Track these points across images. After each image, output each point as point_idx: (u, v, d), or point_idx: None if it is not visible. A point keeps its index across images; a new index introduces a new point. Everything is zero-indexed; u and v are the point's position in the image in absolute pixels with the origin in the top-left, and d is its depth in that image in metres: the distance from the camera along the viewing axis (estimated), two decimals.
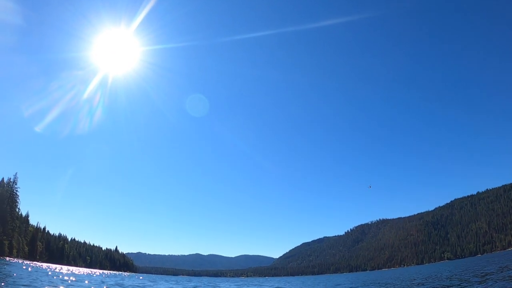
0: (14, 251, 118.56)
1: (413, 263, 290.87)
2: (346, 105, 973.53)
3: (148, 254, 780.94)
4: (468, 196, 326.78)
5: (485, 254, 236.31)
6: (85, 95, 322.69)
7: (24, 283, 16.11)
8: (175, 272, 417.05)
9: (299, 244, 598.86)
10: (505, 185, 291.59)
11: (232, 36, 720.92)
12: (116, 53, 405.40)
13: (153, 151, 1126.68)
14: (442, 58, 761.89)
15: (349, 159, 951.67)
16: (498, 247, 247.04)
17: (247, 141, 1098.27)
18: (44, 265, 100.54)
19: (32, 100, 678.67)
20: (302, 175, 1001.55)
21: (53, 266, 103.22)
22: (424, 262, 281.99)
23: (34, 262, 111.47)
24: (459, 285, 19.09)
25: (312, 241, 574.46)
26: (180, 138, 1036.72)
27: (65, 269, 78.20)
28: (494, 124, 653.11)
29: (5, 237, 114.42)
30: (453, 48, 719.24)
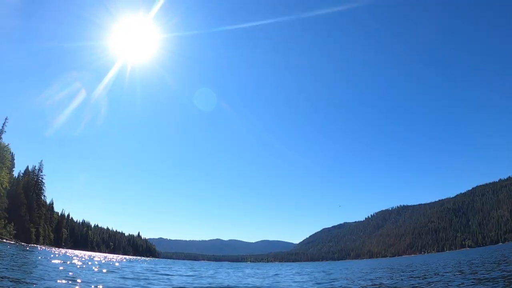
0: (41, 238, 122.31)
1: (433, 251, 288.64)
2: (367, 89, 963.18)
3: (169, 239, 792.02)
4: (490, 183, 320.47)
5: (506, 242, 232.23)
6: (103, 84, 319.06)
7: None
8: (196, 257, 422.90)
9: (319, 229, 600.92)
10: None
11: (252, 21, 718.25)
12: (135, 41, 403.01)
13: (172, 139, 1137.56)
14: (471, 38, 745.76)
15: (370, 145, 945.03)
16: None
17: (267, 129, 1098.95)
18: (75, 251, 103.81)
19: (48, 92, 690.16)
20: (322, 161, 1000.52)
21: (82, 252, 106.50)
22: (445, 250, 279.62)
23: (60, 249, 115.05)
24: None
25: (332, 226, 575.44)
26: (199, 126, 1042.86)
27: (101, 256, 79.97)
28: None
29: (32, 224, 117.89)
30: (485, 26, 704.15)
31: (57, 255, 46.19)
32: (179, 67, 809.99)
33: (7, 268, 18.26)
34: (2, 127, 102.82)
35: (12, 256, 30.16)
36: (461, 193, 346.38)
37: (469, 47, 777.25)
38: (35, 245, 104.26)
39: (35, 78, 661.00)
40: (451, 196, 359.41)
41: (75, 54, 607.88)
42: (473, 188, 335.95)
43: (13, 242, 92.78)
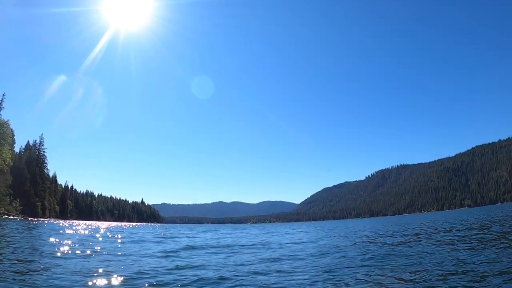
0: (47, 211, 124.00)
1: (433, 209, 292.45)
2: (366, 49, 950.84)
3: (172, 204, 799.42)
4: (489, 143, 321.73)
5: (505, 202, 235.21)
6: (95, 52, 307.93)
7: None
8: (199, 221, 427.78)
9: (320, 189, 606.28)
10: None
11: None
12: (128, 8, 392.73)
13: (170, 105, 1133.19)
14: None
15: (371, 103, 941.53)
16: None
17: (266, 93, 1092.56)
18: (81, 222, 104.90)
19: (39, 59, 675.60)
20: (322, 121, 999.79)
21: (91, 223, 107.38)
22: (444, 209, 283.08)
23: (67, 221, 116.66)
24: None
25: (333, 186, 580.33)
26: (197, 96, 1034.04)
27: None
28: None
29: (38, 198, 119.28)
30: None
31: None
32: (171, 35, 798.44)
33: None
34: (0, 103, 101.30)
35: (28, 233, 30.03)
36: (460, 153, 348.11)
37: (472, 7, 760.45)
38: (42, 219, 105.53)
39: (27, 47, 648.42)
40: (451, 156, 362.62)
41: (62, 21, 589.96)
42: (472, 148, 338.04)
43: (20, 217, 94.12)
